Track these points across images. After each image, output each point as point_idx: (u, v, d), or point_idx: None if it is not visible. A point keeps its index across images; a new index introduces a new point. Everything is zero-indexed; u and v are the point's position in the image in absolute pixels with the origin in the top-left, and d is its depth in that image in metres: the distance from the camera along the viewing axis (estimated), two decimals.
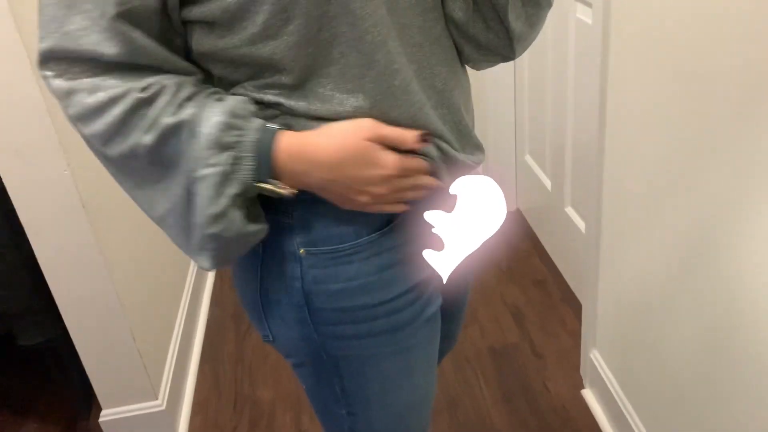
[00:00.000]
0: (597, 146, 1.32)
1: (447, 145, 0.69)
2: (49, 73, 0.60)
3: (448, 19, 0.69)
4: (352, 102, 0.62)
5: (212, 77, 0.66)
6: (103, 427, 1.57)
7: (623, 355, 1.40)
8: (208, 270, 0.62)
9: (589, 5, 1.47)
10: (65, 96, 0.60)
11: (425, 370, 0.79)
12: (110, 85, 0.58)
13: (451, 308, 0.88)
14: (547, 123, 1.94)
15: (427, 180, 0.67)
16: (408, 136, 0.63)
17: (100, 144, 0.61)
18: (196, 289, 2.06)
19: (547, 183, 2.01)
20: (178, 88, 0.60)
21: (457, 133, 0.71)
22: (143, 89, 0.59)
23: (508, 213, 2.60)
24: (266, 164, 0.60)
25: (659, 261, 1.16)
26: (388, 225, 0.69)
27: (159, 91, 0.59)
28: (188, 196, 0.60)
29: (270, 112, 0.64)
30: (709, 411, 1.07)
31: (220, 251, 0.62)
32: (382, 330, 0.71)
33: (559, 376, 1.66)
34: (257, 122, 0.61)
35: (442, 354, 1.02)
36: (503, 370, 1.70)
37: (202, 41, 0.62)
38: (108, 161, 0.63)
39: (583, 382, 1.62)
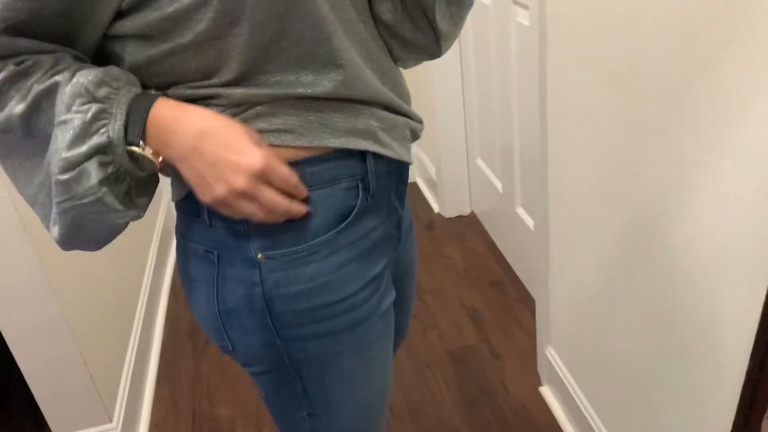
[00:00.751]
0: (541, 147, 1.34)
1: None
2: None
3: (377, 20, 0.71)
4: None
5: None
6: None
7: (577, 352, 1.42)
8: (62, 248, 0.58)
9: (526, 8, 1.50)
10: None
11: (383, 364, 0.79)
12: None
13: (401, 300, 0.89)
14: (495, 126, 1.97)
15: (296, 207, 0.63)
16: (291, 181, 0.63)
17: None
18: (149, 308, 2.02)
19: (498, 185, 2.04)
20: (56, 60, 0.58)
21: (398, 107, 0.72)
22: (18, 63, 0.57)
23: (464, 217, 2.60)
24: (137, 125, 0.57)
25: (604, 257, 1.19)
26: (344, 222, 0.68)
27: (35, 63, 0.58)
28: (52, 142, 0.58)
29: (203, 103, 0.63)
30: (659, 400, 1.10)
31: (71, 217, 0.59)
32: (343, 327, 0.71)
33: (517, 375, 1.68)
34: (136, 88, 0.59)
35: (395, 346, 1.03)
36: (463, 373, 1.71)
37: (137, 53, 0.61)
38: None
39: (541, 379, 1.64)
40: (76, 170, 0.56)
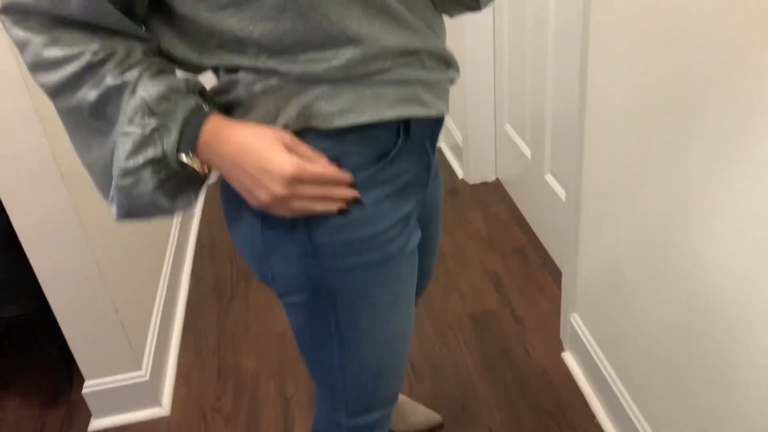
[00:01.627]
0: (578, 114, 1.33)
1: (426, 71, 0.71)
2: (7, 19, 0.63)
3: None
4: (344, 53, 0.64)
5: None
6: (86, 398, 1.57)
7: (602, 319, 1.43)
8: (116, 220, 0.67)
9: None
10: (21, 44, 0.63)
11: (408, 303, 0.82)
12: (66, 43, 0.62)
13: (427, 242, 0.92)
14: (527, 91, 1.95)
15: (339, 192, 0.69)
16: (322, 158, 0.67)
17: (49, 93, 0.65)
18: (175, 264, 2.05)
19: (527, 151, 2.02)
20: (127, 53, 0.64)
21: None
22: (95, 52, 0.63)
23: (488, 183, 2.60)
24: (189, 140, 0.65)
25: (637, 228, 1.19)
26: (382, 161, 0.71)
27: (109, 55, 0.63)
28: (115, 149, 0.66)
29: (270, 82, 0.66)
30: (685, 370, 1.10)
31: (127, 207, 0.68)
32: (377, 260, 0.75)
33: (539, 340, 1.70)
34: (192, 102, 0.65)
35: (420, 290, 1.07)
36: (484, 337, 1.73)
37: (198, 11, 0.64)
38: (55, 106, 0.67)
39: (564, 345, 1.66)
40: (134, 177, 0.65)
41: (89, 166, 0.71)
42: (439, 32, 0.74)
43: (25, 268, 1.40)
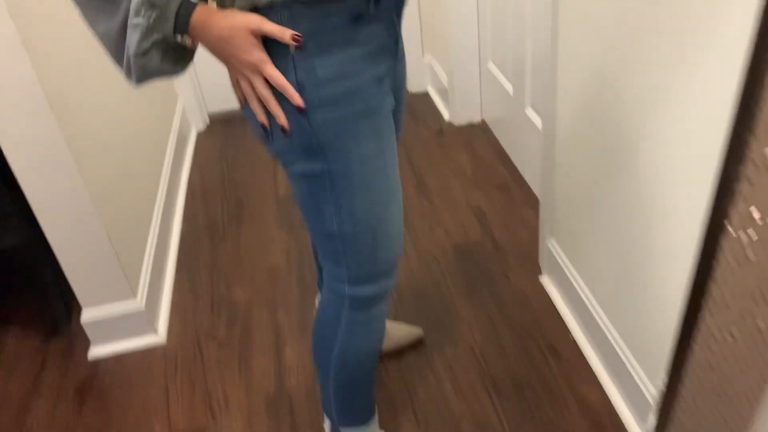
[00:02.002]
0: (551, 47, 1.37)
1: None
2: None
3: None
4: None
5: None
6: (84, 326, 1.64)
7: (576, 241, 1.49)
8: (135, 86, 0.86)
9: None
10: None
11: (392, 160, 0.93)
12: None
13: (395, 114, 1.08)
14: (508, 29, 1.97)
15: (275, 108, 0.85)
16: (286, 33, 0.79)
17: None
18: (167, 204, 2.10)
19: (509, 87, 2.06)
20: None
21: None
22: None
23: (474, 125, 2.66)
24: (182, 25, 0.80)
25: (602, 152, 1.24)
26: (357, 21, 0.82)
27: None
28: (123, 33, 0.80)
29: None
30: (648, 284, 1.17)
31: (142, 75, 0.83)
32: (359, 113, 0.86)
33: (518, 267, 1.76)
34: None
35: None
36: (466, 265, 1.80)
37: None
38: None
39: (542, 269, 1.72)
40: (145, 57, 0.81)
41: (101, 38, 0.83)
42: None
43: (19, 199, 1.45)
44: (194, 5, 0.81)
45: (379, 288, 1.00)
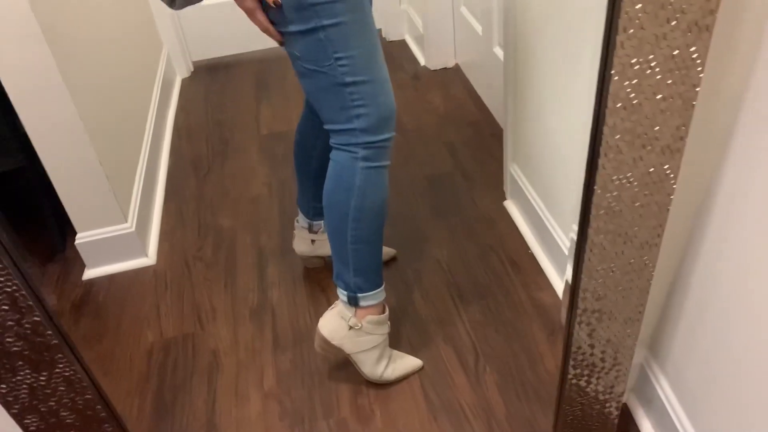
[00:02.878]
0: None
1: None
2: None
3: None
4: None
5: None
6: (79, 249, 1.75)
7: (535, 164, 1.62)
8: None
9: None
10: None
11: (371, 14, 1.10)
12: None
13: None
14: None
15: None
16: None
17: None
18: (155, 139, 2.20)
19: (479, 28, 2.17)
20: None
21: None
22: None
23: (448, 69, 2.79)
24: None
25: (559, 82, 1.35)
26: None
27: None
28: None
29: None
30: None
31: None
32: None
33: (485, 193, 1.89)
34: None
35: None
36: (437, 193, 1.92)
37: None
38: None
39: (506, 195, 1.85)
40: None
41: None
42: None
43: (15, 124, 1.55)
44: None
45: (386, 135, 1.18)
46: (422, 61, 2.62)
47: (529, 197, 1.67)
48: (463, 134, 2.17)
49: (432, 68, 2.57)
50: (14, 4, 1.37)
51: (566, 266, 1.34)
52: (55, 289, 1.77)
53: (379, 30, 2.90)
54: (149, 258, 1.81)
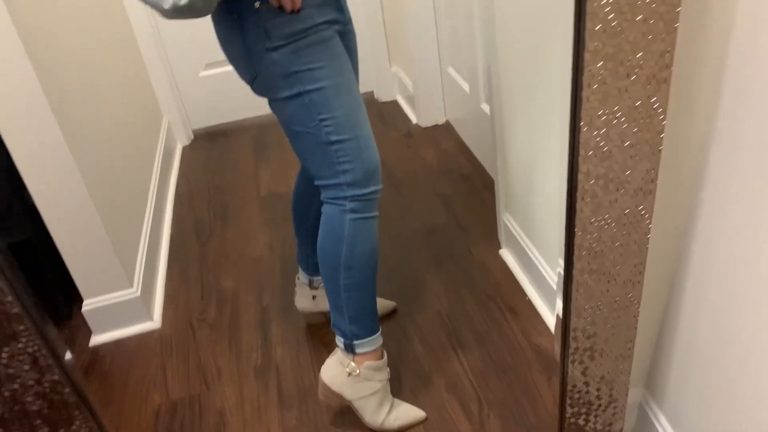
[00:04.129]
0: (492, 46, 1.57)
1: None
2: None
3: None
4: None
5: None
6: (85, 316, 1.79)
7: (526, 212, 1.67)
8: (180, 10, 1.01)
9: None
10: None
11: (351, 77, 1.19)
12: None
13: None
14: (461, 35, 2.18)
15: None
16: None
17: None
18: (157, 207, 2.26)
19: (466, 87, 2.27)
20: None
21: None
22: None
23: (439, 125, 2.89)
24: None
25: (538, 130, 1.43)
26: None
27: None
28: None
29: None
30: None
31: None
32: (315, 42, 1.13)
33: (480, 243, 1.94)
34: None
35: None
36: (434, 244, 1.97)
37: None
38: None
39: (501, 243, 1.90)
40: None
41: None
42: None
43: (24, 197, 1.61)
44: None
45: (372, 188, 1.24)
46: (414, 120, 2.72)
47: (523, 245, 1.72)
48: (456, 186, 2.24)
49: (424, 126, 2.66)
50: (25, 83, 1.46)
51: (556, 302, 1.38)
52: None
53: (372, 91, 3.02)
54: (155, 322, 1.84)
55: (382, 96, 2.97)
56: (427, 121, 2.66)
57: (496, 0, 1.49)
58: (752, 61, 0.73)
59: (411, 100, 2.74)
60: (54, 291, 1.87)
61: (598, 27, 0.65)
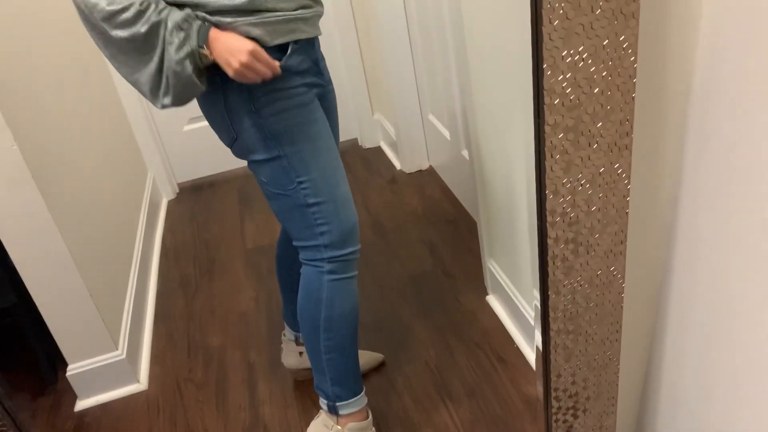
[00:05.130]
0: (469, 95, 1.60)
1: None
2: None
3: None
4: None
5: None
6: (70, 380, 1.76)
7: (510, 258, 1.68)
8: (169, 106, 1.10)
9: None
10: (91, 6, 1.02)
11: (329, 139, 1.23)
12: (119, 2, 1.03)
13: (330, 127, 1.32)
14: (439, 84, 2.23)
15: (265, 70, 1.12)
16: (273, 64, 1.11)
17: (112, 29, 1.03)
18: (143, 263, 2.26)
19: (446, 133, 2.30)
20: (156, 2, 1.05)
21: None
22: (141, 3, 1.03)
23: (422, 171, 2.92)
24: (203, 39, 1.07)
25: (517, 177, 1.45)
26: (288, 52, 1.14)
27: (149, 4, 1.04)
28: (161, 59, 1.05)
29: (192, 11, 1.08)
30: None
31: (178, 89, 1.07)
32: (297, 105, 1.17)
33: (467, 290, 1.94)
34: (198, 21, 1.08)
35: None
36: (421, 292, 1.97)
37: None
38: (113, 42, 1.05)
39: (487, 290, 1.90)
40: (181, 65, 1.06)
41: (136, 83, 1.09)
42: None
43: (5, 263, 1.60)
44: (209, 27, 1.09)
45: (350, 249, 1.25)
46: (398, 166, 2.74)
47: (509, 291, 1.73)
48: (441, 232, 2.25)
49: (407, 171, 2.69)
50: (6, 153, 1.47)
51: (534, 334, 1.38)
52: (48, 422, 1.76)
53: (355, 138, 3.05)
54: (141, 383, 1.82)
55: (366, 142, 3.00)
56: (410, 167, 2.68)
57: (470, 51, 1.52)
58: (712, 118, 0.75)
59: (394, 146, 2.76)
60: (39, 356, 1.85)
61: (556, 101, 0.67)
